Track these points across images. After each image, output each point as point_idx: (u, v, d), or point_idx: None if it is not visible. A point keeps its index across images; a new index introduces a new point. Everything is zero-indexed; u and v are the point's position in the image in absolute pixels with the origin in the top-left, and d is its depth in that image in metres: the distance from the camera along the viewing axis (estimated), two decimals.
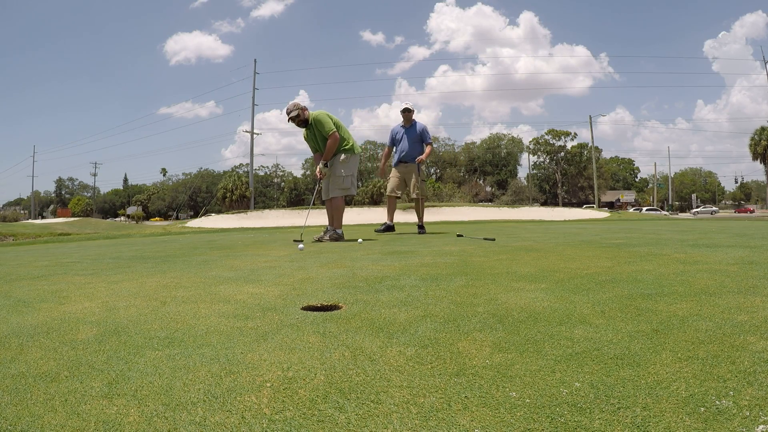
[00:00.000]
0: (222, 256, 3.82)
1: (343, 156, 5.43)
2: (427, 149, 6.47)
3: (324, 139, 5.35)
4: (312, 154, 5.75)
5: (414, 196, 6.42)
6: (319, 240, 5.25)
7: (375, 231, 6.75)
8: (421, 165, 6.36)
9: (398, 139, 6.54)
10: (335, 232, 5.36)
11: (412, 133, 6.47)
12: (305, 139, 5.61)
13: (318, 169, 5.46)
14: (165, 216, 79.23)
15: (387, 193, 6.68)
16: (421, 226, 6.61)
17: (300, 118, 5.34)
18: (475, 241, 4.69)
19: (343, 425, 0.87)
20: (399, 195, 6.54)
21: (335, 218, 5.47)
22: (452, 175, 71.56)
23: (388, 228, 6.63)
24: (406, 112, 6.49)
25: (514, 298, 1.82)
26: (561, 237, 4.94)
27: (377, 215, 21.09)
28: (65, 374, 1.15)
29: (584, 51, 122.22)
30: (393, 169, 6.62)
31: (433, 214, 17.22)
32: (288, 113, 5.33)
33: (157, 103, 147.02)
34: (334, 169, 5.41)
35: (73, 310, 1.85)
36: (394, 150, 6.66)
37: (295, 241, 5.16)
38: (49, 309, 1.88)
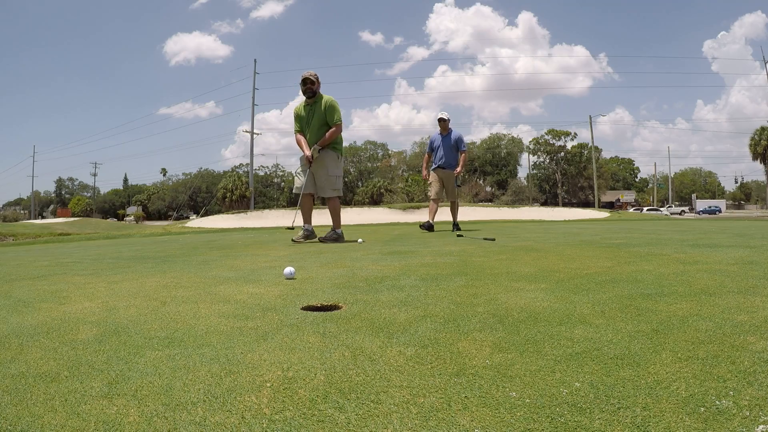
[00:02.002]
0: (222, 256, 3.82)
1: (336, 156, 5.42)
2: (462, 157, 7.14)
3: (323, 123, 5.26)
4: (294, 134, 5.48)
5: (451, 199, 7.25)
6: (322, 240, 5.24)
7: (420, 227, 7.33)
8: (458, 176, 7.16)
9: (436, 146, 7.17)
10: (335, 233, 5.36)
11: (449, 141, 7.10)
12: (296, 113, 5.41)
13: (310, 153, 5.21)
14: (165, 216, 79.13)
15: (431, 197, 7.29)
16: (456, 226, 7.31)
17: (314, 87, 5.25)
18: (475, 241, 4.69)
19: (343, 425, 0.87)
20: (440, 198, 7.24)
21: (334, 219, 5.46)
22: None
23: (430, 227, 7.12)
24: (442, 122, 7.10)
25: (514, 298, 1.82)
26: (561, 237, 4.94)
27: (377, 215, 21.11)
28: (65, 374, 1.15)
29: (583, 51, 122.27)
30: (432, 173, 7.26)
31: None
32: (304, 77, 5.21)
33: (157, 103, 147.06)
34: (329, 168, 5.31)
35: (73, 310, 1.85)
36: (433, 156, 7.28)
37: (288, 230, 5.08)
38: (49, 309, 1.88)
